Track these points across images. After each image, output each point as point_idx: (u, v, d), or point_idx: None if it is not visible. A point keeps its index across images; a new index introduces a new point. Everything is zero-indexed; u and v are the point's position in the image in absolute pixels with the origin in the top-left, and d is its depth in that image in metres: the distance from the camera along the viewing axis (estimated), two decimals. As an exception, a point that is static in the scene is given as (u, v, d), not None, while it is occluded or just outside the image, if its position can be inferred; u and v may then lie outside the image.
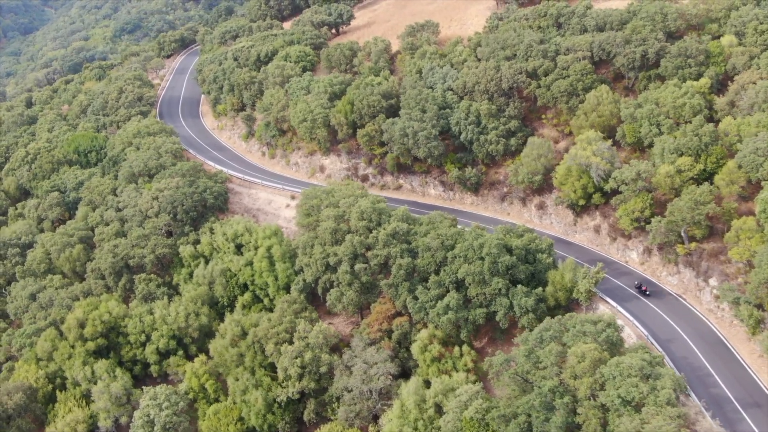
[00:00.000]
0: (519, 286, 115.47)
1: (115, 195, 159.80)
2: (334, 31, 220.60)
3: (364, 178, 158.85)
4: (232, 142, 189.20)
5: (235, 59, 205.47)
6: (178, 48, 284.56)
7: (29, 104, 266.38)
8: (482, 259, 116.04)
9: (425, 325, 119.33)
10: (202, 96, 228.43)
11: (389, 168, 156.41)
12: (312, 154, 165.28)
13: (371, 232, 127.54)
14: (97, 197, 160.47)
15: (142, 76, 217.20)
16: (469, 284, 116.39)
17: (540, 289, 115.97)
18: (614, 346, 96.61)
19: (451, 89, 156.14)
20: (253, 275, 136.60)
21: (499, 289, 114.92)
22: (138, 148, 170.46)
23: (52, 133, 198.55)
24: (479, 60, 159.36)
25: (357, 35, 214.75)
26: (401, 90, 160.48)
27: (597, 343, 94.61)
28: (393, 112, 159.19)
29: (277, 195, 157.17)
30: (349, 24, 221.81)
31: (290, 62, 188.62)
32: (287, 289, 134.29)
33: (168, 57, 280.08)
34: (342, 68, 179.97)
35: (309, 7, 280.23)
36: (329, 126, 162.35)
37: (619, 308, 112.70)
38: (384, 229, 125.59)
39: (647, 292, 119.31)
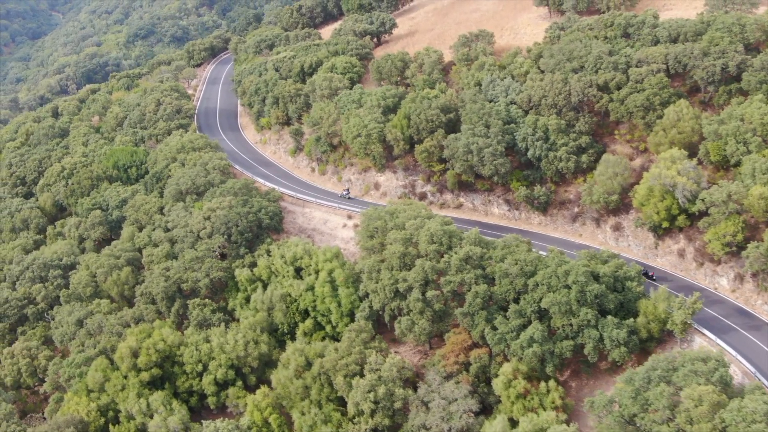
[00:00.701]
0: (609, 316, 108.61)
1: (163, 214, 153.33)
2: (375, 40, 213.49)
3: (422, 196, 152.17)
4: (277, 157, 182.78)
5: (277, 70, 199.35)
6: (207, 57, 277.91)
7: (55, 114, 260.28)
8: (568, 287, 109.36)
9: (506, 358, 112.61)
10: (239, 107, 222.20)
11: (450, 186, 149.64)
12: (366, 170, 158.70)
13: (442, 257, 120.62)
14: (142, 216, 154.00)
15: (178, 88, 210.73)
16: (554, 314, 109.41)
17: (631, 319, 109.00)
18: (726, 386, 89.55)
19: (515, 103, 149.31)
20: (314, 301, 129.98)
21: (588, 320, 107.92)
22: (183, 164, 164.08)
23: (87, 147, 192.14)
24: (542, 72, 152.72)
25: (400, 45, 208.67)
26: (460, 104, 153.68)
27: (711, 383, 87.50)
28: (452, 126, 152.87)
29: (333, 214, 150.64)
30: (391, 33, 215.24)
31: (336, 74, 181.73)
32: (351, 315, 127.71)
33: (198, 66, 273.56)
34: (393, 80, 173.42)
35: (342, 14, 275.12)
36: (384, 141, 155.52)
37: (719, 341, 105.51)
38: (456, 253, 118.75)
39: (653, 277, 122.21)
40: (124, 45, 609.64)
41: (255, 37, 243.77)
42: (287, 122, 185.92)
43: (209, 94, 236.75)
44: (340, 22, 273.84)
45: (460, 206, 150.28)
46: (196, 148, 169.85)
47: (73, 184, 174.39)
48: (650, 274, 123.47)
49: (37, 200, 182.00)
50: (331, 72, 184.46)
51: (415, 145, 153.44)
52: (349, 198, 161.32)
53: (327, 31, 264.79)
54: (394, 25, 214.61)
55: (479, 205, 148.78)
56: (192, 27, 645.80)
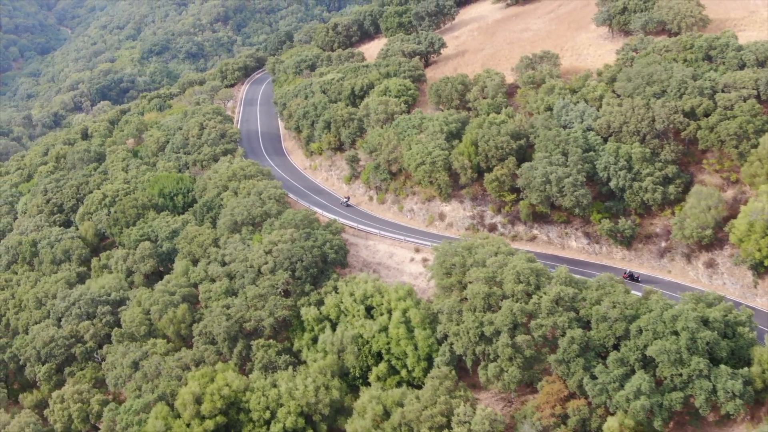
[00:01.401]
0: (722, 366, 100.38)
1: (218, 246, 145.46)
2: (422, 61, 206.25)
3: (492, 228, 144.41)
4: (330, 185, 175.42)
5: (324, 92, 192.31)
6: (240, 76, 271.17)
7: (85, 136, 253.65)
8: (676, 333, 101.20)
9: (607, 410, 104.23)
10: (281, 130, 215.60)
11: (523, 217, 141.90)
12: (430, 200, 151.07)
13: (530, 297, 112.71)
14: (196, 249, 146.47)
15: (221, 110, 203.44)
16: (661, 363, 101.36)
17: (745, 369, 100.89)
18: None
19: (592, 129, 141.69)
20: (388, 343, 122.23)
21: (700, 370, 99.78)
22: (236, 193, 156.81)
23: (128, 173, 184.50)
24: (619, 96, 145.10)
25: (450, 66, 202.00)
26: (530, 129, 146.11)
27: None
28: (522, 154, 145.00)
29: (399, 247, 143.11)
30: (440, 53, 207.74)
31: (391, 97, 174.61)
32: (428, 359, 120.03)
33: (231, 86, 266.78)
34: (453, 104, 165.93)
35: (379, 33, 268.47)
36: (450, 169, 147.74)
37: None
38: (546, 294, 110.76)
39: (638, 279, 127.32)
40: (139, 61, 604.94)
41: (293, 57, 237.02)
42: (340, 147, 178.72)
43: (248, 116, 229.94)
44: (376, 40, 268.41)
45: (533, 239, 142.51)
46: (249, 175, 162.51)
47: (116, 212, 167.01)
48: (636, 276, 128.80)
49: (77, 229, 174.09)
50: (385, 95, 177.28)
51: (484, 174, 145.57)
52: (348, 206, 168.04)
53: (364, 50, 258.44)
54: (443, 45, 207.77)
55: (555, 238, 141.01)
56: (207, 43, 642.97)
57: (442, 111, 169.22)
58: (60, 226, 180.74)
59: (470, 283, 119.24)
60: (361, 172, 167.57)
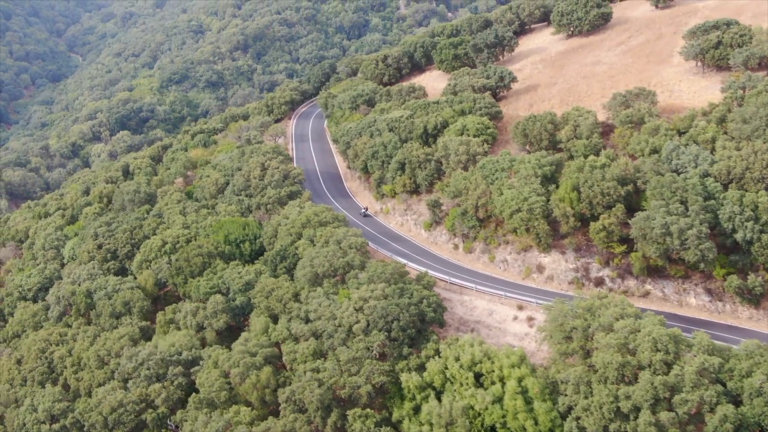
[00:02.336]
0: None
1: (299, 301, 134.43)
2: (492, 96, 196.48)
3: (599, 282, 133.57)
4: (406, 230, 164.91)
5: (391, 131, 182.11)
6: (287, 111, 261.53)
7: (126, 173, 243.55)
8: None
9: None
10: (341, 169, 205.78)
11: (635, 271, 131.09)
12: (526, 249, 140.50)
13: (670, 368, 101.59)
14: (275, 304, 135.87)
15: (280, 149, 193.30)
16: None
17: None
18: None
19: (709, 175, 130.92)
20: (503, 416, 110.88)
21: None
22: (312, 242, 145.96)
23: (186, 217, 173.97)
24: (733, 138, 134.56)
25: (524, 101, 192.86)
26: (638, 174, 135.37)
27: None
28: (630, 200, 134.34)
29: (498, 303, 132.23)
30: (510, 88, 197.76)
31: (469, 136, 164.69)
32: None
33: (278, 121, 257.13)
34: (542, 144, 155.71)
35: (431, 65, 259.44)
36: (548, 217, 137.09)
37: None
38: (688, 364, 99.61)
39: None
40: (158, 90, 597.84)
41: (348, 91, 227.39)
42: (415, 190, 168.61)
43: (303, 154, 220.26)
44: (427, 73, 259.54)
45: (646, 294, 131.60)
46: (323, 222, 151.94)
47: (179, 260, 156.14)
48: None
49: (134, 278, 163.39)
50: (463, 134, 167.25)
51: (588, 222, 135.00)
52: (366, 215, 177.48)
53: (417, 83, 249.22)
54: (513, 80, 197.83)
55: (671, 294, 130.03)
56: (227, 71, 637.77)
57: (529, 152, 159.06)
58: (115, 275, 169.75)
59: (596, 349, 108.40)
60: (444, 218, 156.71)
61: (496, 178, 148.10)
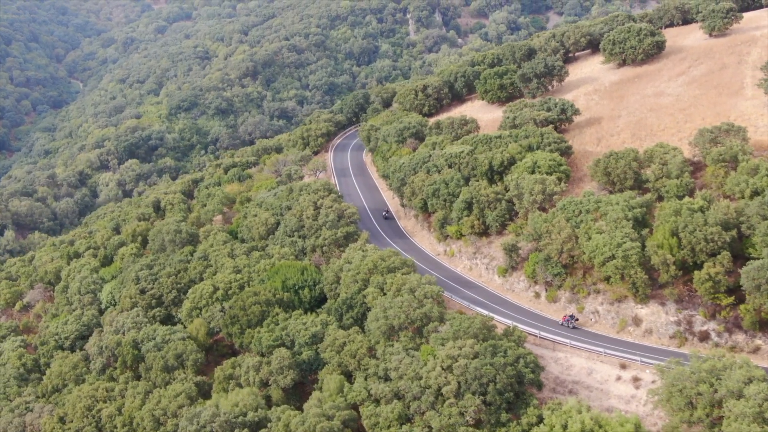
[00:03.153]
0: None
1: (375, 357, 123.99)
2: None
3: (704, 336, 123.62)
4: (476, 275, 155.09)
5: (451, 167, 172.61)
6: (323, 143, 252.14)
7: (157, 209, 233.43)
8: None
9: None
10: (392, 207, 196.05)
11: (745, 325, 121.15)
12: (620, 300, 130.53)
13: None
14: (348, 359, 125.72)
15: (331, 186, 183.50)
16: None
17: None
18: None
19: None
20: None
21: None
22: (382, 290, 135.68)
23: (236, 260, 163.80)
24: None
25: (590, 136, 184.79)
26: (741, 218, 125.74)
27: None
28: (734, 247, 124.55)
29: (597, 361, 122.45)
30: (572, 121, 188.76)
31: (542, 173, 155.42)
32: None
33: (314, 154, 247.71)
34: (627, 184, 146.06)
35: (472, 94, 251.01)
36: (645, 264, 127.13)
37: None
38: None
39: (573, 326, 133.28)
40: (167, 117, 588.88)
41: (393, 123, 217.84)
42: (485, 232, 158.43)
43: (348, 190, 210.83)
44: (469, 103, 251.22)
45: (756, 350, 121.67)
46: (392, 268, 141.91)
47: (234, 308, 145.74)
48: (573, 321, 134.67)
49: (184, 327, 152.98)
50: (534, 172, 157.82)
51: (690, 271, 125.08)
52: (386, 218, 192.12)
53: (459, 114, 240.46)
54: (576, 112, 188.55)
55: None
56: (236, 98, 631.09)
57: (611, 191, 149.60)
58: (161, 323, 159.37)
59: (726, 418, 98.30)
60: (522, 263, 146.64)
61: (581, 221, 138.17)
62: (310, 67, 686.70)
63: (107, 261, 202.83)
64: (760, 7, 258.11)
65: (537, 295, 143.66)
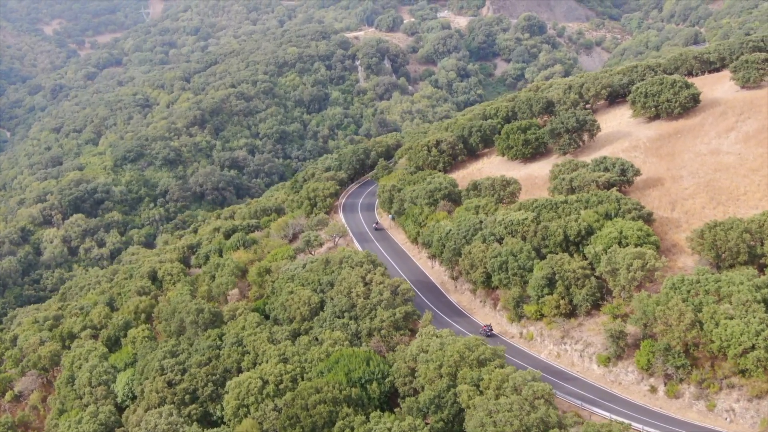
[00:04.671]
0: None
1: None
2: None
3: None
4: (568, 364, 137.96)
5: (511, 234, 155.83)
6: (332, 203, 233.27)
7: (154, 278, 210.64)
8: None
9: None
10: (432, 277, 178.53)
11: None
12: (760, 396, 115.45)
13: None
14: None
15: (373, 258, 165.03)
16: None
17: None
18: None
19: None
20: None
21: None
22: (478, 388, 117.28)
23: (279, 347, 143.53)
24: None
25: (655, 199, 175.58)
26: None
27: None
28: None
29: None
30: (632, 183, 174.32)
31: (629, 245, 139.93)
32: None
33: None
34: (738, 259, 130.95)
35: (489, 148, 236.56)
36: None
37: None
38: None
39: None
40: (112, 169, 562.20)
41: (422, 184, 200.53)
42: (572, 313, 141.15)
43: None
44: (485, 158, 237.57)
45: None
46: (483, 360, 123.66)
47: (294, 408, 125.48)
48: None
49: (230, 428, 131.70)
50: (619, 243, 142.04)
51: None
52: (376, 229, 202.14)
53: (477, 171, 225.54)
54: (637, 173, 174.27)
55: None
56: (185, 148, 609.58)
57: (719, 267, 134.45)
58: (197, 422, 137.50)
59: None
60: (632, 352, 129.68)
61: (701, 303, 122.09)
62: (260, 115, 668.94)
63: (112, 343, 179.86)
64: None
65: (653, 390, 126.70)
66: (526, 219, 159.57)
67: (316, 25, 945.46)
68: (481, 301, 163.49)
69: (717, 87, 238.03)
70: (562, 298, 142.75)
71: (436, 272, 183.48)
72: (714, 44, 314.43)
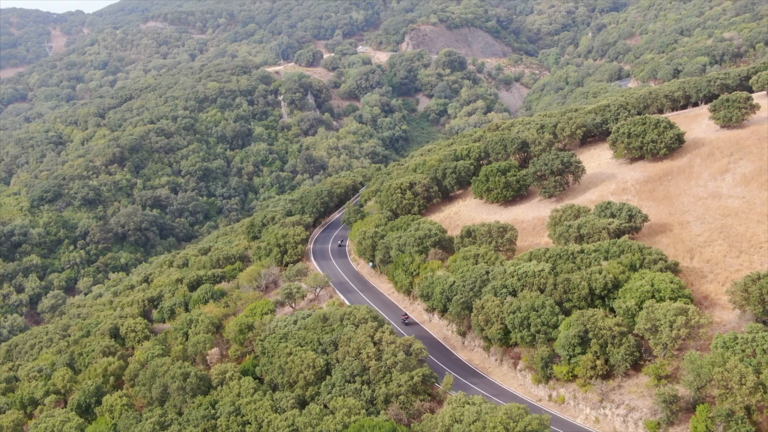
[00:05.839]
0: None
1: None
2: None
3: None
4: (610, 430, 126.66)
5: (526, 286, 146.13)
6: (303, 251, 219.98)
7: (116, 335, 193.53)
8: None
9: None
10: (431, 332, 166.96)
11: None
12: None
13: None
14: None
15: (375, 313, 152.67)
16: None
17: None
18: None
19: None
20: None
21: None
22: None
23: (287, 417, 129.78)
24: None
25: (667, 247, 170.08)
26: None
27: None
28: None
29: None
30: (641, 229, 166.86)
31: (663, 299, 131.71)
32: None
33: (294, 263, 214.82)
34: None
35: (463, 190, 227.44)
36: None
37: None
38: None
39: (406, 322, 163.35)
40: (29, 210, 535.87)
41: (410, 231, 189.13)
42: (608, 374, 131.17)
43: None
44: (461, 201, 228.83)
45: None
46: (529, 430, 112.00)
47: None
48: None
49: None
50: (652, 297, 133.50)
51: None
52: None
53: (453, 214, 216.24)
54: (645, 219, 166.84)
55: None
56: (104, 187, 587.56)
57: (765, 323, 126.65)
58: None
59: None
60: (686, 418, 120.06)
61: (760, 364, 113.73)
62: (181, 151, 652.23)
63: (83, 411, 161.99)
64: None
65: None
66: (542, 270, 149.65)
67: (236, 60, 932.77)
68: (496, 359, 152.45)
69: (693, 126, 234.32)
70: (598, 357, 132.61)
71: (435, 326, 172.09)
72: (677, 82, 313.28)
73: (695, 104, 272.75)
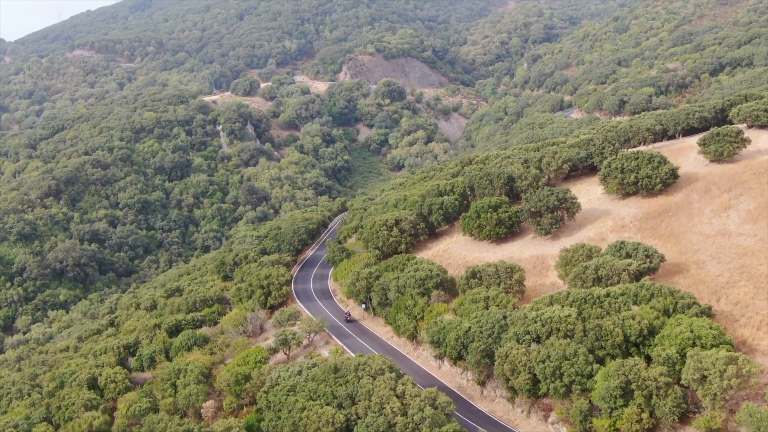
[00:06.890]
0: None
1: None
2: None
3: None
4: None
5: (551, 333, 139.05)
6: (288, 292, 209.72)
7: (94, 386, 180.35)
8: None
9: None
10: (442, 380, 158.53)
11: None
12: None
13: None
14: None
15: (390, 362, 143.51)
16: None
17: None
18: None
19: None
20: None
21: None
22: None
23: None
24: None
25: (695, 291, 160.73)
26: None
27: None
28: None
29: None
30: (657, 270, 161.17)
31: (704, 347, 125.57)
32: None
33: (273, 308, 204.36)
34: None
35: (451, 227, 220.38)
36: None
37: None
38: None
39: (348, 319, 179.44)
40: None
41: (409, 272, 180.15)
42: (653, 428, 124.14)
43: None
44: (448, 238, 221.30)
45: None
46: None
47: None
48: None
49: None
50: (693, 344, 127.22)
51: None
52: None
53: (442, 251, 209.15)
54: (662, 259, 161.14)
55: None
56: (40, 221, 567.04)
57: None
58: None
59: None
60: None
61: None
62: (119, 183, 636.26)
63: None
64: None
65: None
66: (569, 316, 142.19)
67: (171, 89, 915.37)
68: (522, 411, 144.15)
69: (680, 160, 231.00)
70: (642, 410, 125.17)
71: (447, 374, 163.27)
72: (653, 115, 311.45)
73: (672, 137, 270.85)
